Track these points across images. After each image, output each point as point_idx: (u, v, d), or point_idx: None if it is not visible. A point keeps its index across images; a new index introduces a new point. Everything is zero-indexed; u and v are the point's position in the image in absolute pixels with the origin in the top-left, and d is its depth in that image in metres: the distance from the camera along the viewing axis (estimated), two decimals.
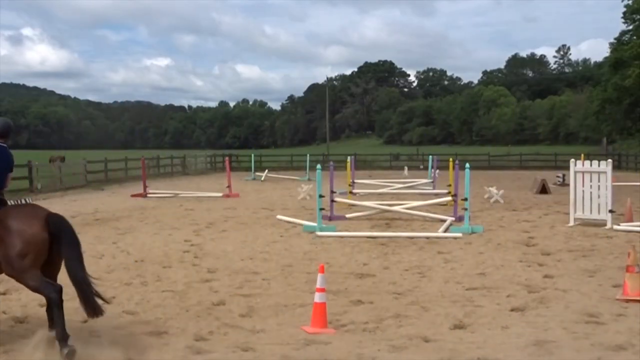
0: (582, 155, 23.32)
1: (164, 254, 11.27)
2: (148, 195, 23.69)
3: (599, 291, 8.12)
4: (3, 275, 6.07)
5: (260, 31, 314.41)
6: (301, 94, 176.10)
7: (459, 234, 13.19)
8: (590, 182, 14.58)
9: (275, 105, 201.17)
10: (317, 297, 6.65)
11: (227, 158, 30.56)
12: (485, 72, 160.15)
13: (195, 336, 6.37)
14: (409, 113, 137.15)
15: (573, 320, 6.80)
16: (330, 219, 15.41)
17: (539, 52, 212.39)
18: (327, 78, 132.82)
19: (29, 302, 7.51)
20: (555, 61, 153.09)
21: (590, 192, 14.56)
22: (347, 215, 16.18)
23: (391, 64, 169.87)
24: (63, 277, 5.85)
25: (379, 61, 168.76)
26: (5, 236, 5.58)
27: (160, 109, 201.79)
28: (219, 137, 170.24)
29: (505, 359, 5.63)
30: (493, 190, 21.34)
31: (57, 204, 20.78)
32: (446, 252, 11.25)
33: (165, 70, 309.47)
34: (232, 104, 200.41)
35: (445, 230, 13.83)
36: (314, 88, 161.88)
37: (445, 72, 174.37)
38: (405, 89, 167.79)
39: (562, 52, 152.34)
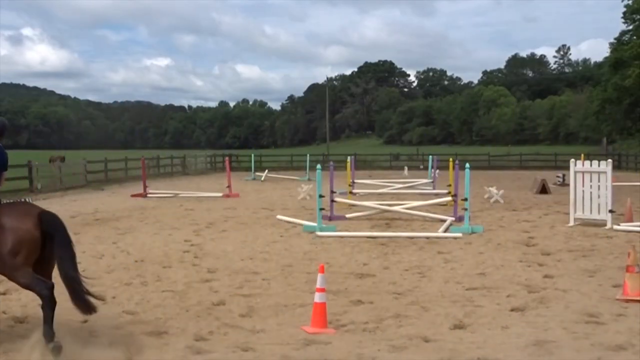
0: (582, 155, 23.32)
1: (164, 254, 11.27)
2: (148, 195, 23.69)
3: (599, 291, 8.12)
4: (1, 275, 6.08)
5: (260, 31, 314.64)
6: (301, 94, 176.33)
7: (459, 234, 13.19)
8: (590, 182, 14.58)
9: (275, 105, 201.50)
10: (317, 297, 6.65)
11: (227, 158, 30.56)
12: (485, 72, 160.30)
13: (195, 336, 6.37)
14: (409, 113, 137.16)
15: (573, 320, 6.80)
16: (330, 219, 15.41)
17: (539, 52, 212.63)
18: (327, 78, 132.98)
19: (29, 302, 7.50)
20: (555, 61, 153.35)
21: (590, 192, 14.56)
22: (347, 215, 16.18)
23: (391, 64, 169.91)
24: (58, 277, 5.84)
25: (379, 61, 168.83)
26: None
27: (160, 109, 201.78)
28: (219, 137, 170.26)
29: (505, 359, 5.63)
30: (493, 190, 21.34)
31: (57, 204, 20.78)
32: (446, 252, 11.25)
33: (165, 70, 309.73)
34: (232, 104, 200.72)
35: (445, 230, 13.83)
36: (314, 88, 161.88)
37: (445, 72, 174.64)
38: (405, 89, 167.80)
39: (562, 52, 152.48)
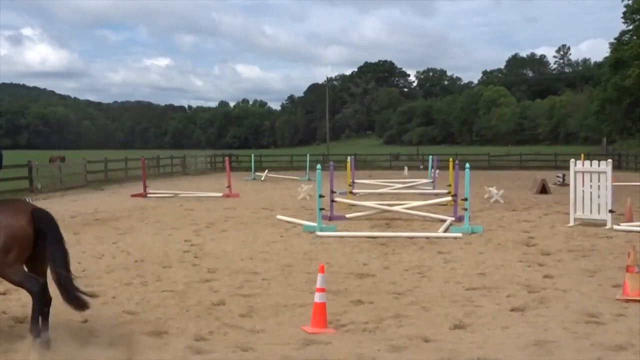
0: (582, 155, 23.32)
1: (164, 254, 11.27)
2: (148, 195, 23.69)
3: (599, 291, 8.12)
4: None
5: (260, 31, 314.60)
6: (301, 94, 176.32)
7: (459, 234, 13.19)
8: (590, 182, 14.58)
9: (275, 105, 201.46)
10: (317, 297, 6.65)
11: (227, 158, 30.56)
12: (485, 72, 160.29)
13: (195, 336, 6.37)
14: (409, 113, 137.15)
15: (573, 320, 6.80)
16: (330, 219, 15.41)
17: (539, 52, 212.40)
18: (327, 78, 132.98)
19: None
20: (555, 61, 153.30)
21: (590, 192, 14.56)
22: (347, 215, 16.18)
23: (391, 64, 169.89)
24: None
25: (379, 61, 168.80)
26: None
27: (160, 109, 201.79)
28: (219, 137, 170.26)
29: (505, 359, 5.63)
30: (493, 190, 21.34)
31: (57, 204, 20.79)
32: (446, 252, 11.25)
33: (165, 70, 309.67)
34: (232, 104, 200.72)
35: (445, 230, 13.83)
36: (314, 88, 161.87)
37: (445, 72, 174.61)
38: (405, 89, 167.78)
39: (562, 52, 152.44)
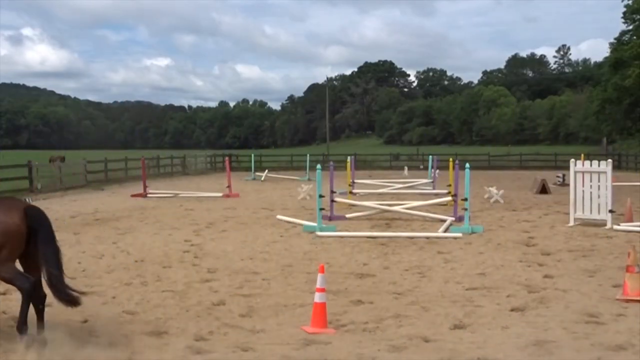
0: (582, 155, 23.32)
1: (164, 254, 11.27)
2: (148, 195, 23.69)
3: (599, 291, 8.12)
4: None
5: (260, 31, 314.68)
6: (301, 94, 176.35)
7: (459, 234, 13.19)
8: (590, 182, 14.58)
9: (275, 105, 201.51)
10: (317, 297, 6.65)
11: (227, 158, 30.55)
12: (485, 72, 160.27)
13: (195, 336, 6.37)
14: (409, 113, 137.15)
15: (573, 320, 6.80)
16: (330, 219, 15.41)
17: (539, 52, 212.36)
18: (327, 78, 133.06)
19: None
20: (555, 61, 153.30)
21: (590, 192, 14.56)
22: (347, 215, 16.18)
23: (391, 64, 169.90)
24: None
25: (379, 61, 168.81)
26: None
27: (160, 109, 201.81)
28: (219, 137, 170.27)
29: (505, 359, 5.63)
30: (493, 190, 21.34)
31: (57, 204, 20.79)
32: (446, 252, 11.25)
33: (165, 70, 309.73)
34: (232, 104, 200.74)
35: (445, 230, 13.83)
36: (314, 88, 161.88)
37: (445, 72, 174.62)
38: (405, 89, 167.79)
39: (562, 52, 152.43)
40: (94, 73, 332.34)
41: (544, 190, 24.13)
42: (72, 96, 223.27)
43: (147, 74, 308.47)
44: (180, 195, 23.98)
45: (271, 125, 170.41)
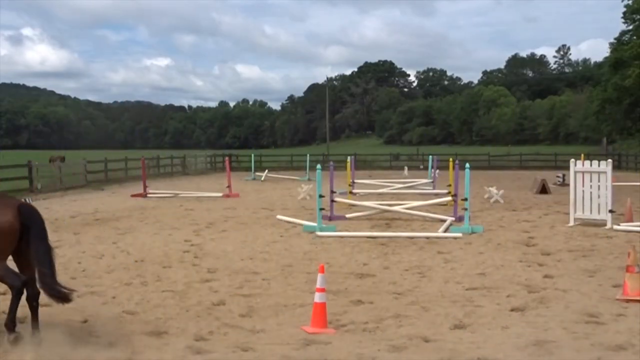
0: (582, 155, 23.32)
1: (164, 254, 11.27)
2: (148, 195, 23.69)
3: (599, 291, 8.12)
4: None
5: (260, 31, 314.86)
6: (301, 94, 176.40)
7: (459, 234, 13.19)
8: (590, 182, 14.58)
9: (275, 105, 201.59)
10: (317, 297, 6.65)
11: (227, 158, 30.55)
12: (485, 72, 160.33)
13: (195, 336, 6.37)
14: (409, 113, 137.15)
15: (573, 320, 6.80)
16: (330, 219, 15.41)
17: (539, 52, 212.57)
18: (327, 78, 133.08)
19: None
20: (555, 61, 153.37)
21: (590, 192, 14.56)
22: (347, 215, 16.18)
23: (391, 64, 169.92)
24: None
25: (379, 61, 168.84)
26: None
27: (160, 109, 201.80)
28: (219, 137, 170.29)
29: (505, 359, 5.63)
30: (493, 190, 21.34)
31: (57, 204, 20.80)
32: (446, 252, 11.25)
33: (165, 70, 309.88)
34: (232, 104, 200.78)
35: (445, 230, 13.83)
36: (314, 88, 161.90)
37: (445, 72, 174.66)
38: (405, 89, 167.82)
39: (562, 52, 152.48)
40: (94, 73, 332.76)
41: (544, 190, 24.13)
42: (72, 96, 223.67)
43: (147, 74, 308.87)
44: (180, 195, 23.98)
45: (271, 125, 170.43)
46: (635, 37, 56.20)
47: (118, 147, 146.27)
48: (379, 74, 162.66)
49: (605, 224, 14.05)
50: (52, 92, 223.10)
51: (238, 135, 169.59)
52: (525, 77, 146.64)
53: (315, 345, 6.07)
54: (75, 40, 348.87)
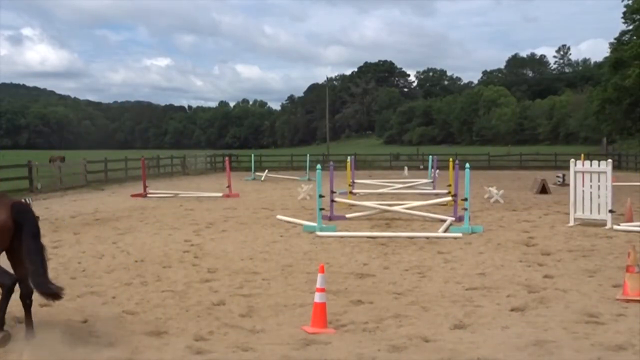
0: (582, 155, 23.35)
1: (164, 254, 11.27)
2: (148, 195, 23.69)
3: (599, 291, 8.12)
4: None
5: (260, 31, 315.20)
6: (301, 94, 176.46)
7: (459, 234, 13.19)
8: (590, 182, 14.58)
9: (275, 105, 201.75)
10: (317, 297, 6.65)
11: (227, 158, 30.53)
12: (485, 72, 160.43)
13: (195, 336, 6.37)
14: (409, 113, 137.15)
15: (573, 320, 6.80)
16: (330, 219, 15.41)
17: (539, 52, 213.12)
18: (327, 78, 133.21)
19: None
20: (555, 61, 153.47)
21: (590, 192, 14.56)
22: (347, 215, 16.18)
23: (391, 64, 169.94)
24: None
25: (379, 61, 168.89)
26: None
27: (160, 109, 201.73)
28: (219, 137, 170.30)
29: (505, 359, 5.63)
30: (493, 190, 21.34)
31: (57, 204, 20.80)
32: (446, 252, 11.25)
33: (165, 70, 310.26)
34: (232, 104, 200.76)
35: (445, 230, 13.83)
36: (314, 88, 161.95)
37: (445, 72, 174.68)
38: (405, 89, 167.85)
39: (562, 52, 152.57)
40: (94, 73, 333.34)
41: (544, 190, 24.13)
42: (72, 96, 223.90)
43: (147, 74, 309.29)
44: (180, 195, 23.98)
45: (271, 125, 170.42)
46: (635, 37, 56.16)
47: (118, 147, 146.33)
48: (379, 74, 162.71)
49: (605, 224, 14.05)
50: (52, 92, 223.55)
51: (238, 135, 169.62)
52: (525, 77, 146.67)
53: (315, 345, 6.07)
54: (75, 40, 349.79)
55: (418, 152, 61.95)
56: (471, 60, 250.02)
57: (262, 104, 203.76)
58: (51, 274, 9.11)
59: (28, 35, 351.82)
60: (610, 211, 14.20)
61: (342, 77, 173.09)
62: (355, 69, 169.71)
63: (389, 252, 11.36)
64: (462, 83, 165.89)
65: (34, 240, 5.90)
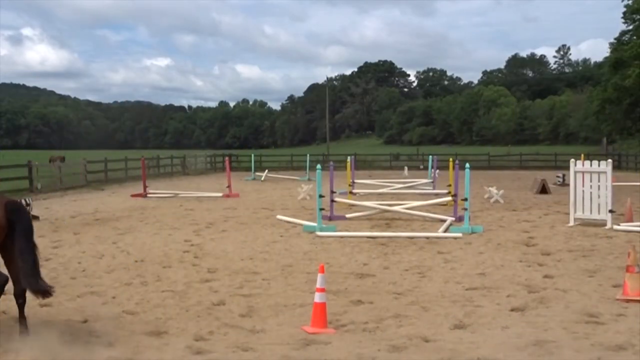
0: (582, 155, 23.34)
1: (164, 254, 11.27)
2: (148, 195, 23.69)
3: (599, 291, 8.12)
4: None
5: (260, 31, 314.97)
6: (301, 94, 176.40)
7: (459, 234, 13.19)
8: (590, 182, 14.58)
9: (275, 105, 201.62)
10: (317, 297, 6.65)
11: (227, 158, 30.54)
12: (485, 72, 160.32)
13: (195, 336, 6.37)
14: (409, 113, 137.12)
15: (573, 320, 6.80)
16: (330, 219, 15.41)
17: (539, 52, 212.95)
18: (327, 78, 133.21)
19: (29, 302, 7.47)
20: (555, 61, 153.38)
21: (590, 192, 14.56)
22: (347, 215, 16.18)
23: (391, 64, 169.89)
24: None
25: (379, 61, 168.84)
26: None
27: (160, 109, 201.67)
28: (219, 137, 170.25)
29: (505, 359, 5.63)
30: (493, 190, 21.34)
31: (57, 204, 20.80)
32: (446, 252, 11.25)
33: (165, 70, 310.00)
34: (232, 104, 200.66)
35: (445, 230, 13.83)
36: (314, 88, 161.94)
37: (445, 72, 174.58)
38: (405, 89, 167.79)
39: (562, 52, 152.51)
40: (94, 73, 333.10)
41: (544, 190, 24.13)
42: (72, 96, 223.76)
43: (147, 74, 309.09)
44: (180, 195, 23.98)
45: (271, 125, 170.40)
46: (635, 37, 56.16)
47: (118, 147, 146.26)
48: (379, 74, 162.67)
49: (605, 224, 14.05)
50: (52, 92, 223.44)
51: (238, 135, 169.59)
52: (525, 77, 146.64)
53: (315, 345, 6.07)
54: (75, 40, 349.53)
55: (418, 152, 61.97)
56: (471, 60, 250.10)
57: (262, 104, 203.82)
58: (51, 274, 9.15)
59: (28, 35, 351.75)
60: (610, 211, 14.20)
61: (342, 77, 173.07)
62: (355, 69, 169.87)
63: (389, 252, 11.36)
64: (462, 83, 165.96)
65: (26, 239, 5.93)
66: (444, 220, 15.10)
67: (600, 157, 24.87)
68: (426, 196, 20.82)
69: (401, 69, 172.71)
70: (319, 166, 15.11)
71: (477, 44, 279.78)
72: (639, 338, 6.09)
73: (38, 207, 18.68)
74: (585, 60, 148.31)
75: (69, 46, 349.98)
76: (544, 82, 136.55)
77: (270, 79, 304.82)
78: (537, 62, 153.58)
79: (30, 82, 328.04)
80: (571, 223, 14.61)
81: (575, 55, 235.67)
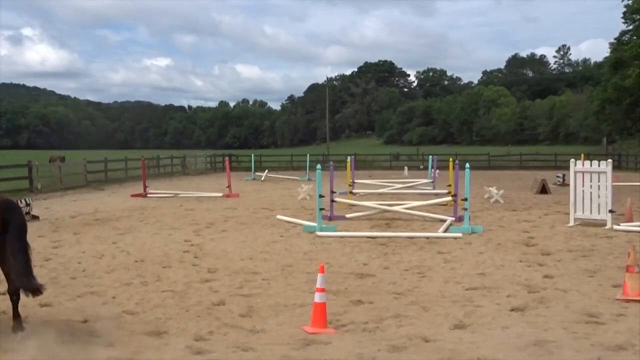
0: (582, 155, 23.35)
1: (164, 254, 11.27)
2: (148, 195, 23.69)
3: (599, 291, 8.12)
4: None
5: (260, 31, 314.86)
6: (301, 94, 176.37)
7: (459, 234, 13.19)
8: (590, 182, 14.58)
9: (275, 105, 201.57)
10: (317, 297, 6.65)
11: (227, 158, 30.54)
12: (485, 72, 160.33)
13: (195, 336, 6.37)
14: (409, 113, 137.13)
15: (573, 320, 6.80)
16: (330, 219, 15.41)
17: (539, 52, 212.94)
18: (327, 78, 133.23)
19: (29, 302, 7.49)
20: (555, 61, 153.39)
21: (590, 192, 14.56)
22: (347, 215, 16.18)
23: (391, 64, 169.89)
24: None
25: (379, 61, 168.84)
26: None
27: (160, 109, 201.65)
28: (219, 137, 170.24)
29: (505, 359, 5.63)
30: (493, 190, 21.34)
31: (57, 204, 20.80)
32: (446, 252, 11.25)
33: (165, 70, 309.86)
34: (232, 104, 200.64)
35: (445, 230, 13.83)
36: (314, 88, 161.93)
37: (445, 72, 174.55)
38: (405, 89, 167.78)
39: (562, 52, 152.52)
40: (94, 73, 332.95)
41: (544, 190, 24.13)
42: (72, 96, 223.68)
43: (147, 74, 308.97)
44: (180, 195, 23.98)
45: (271, 125, 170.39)
46: (635, 37, 56.17)
47: (118, 147, 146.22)
48: (379, 74, 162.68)
49: (605, 224, 14.05)
50: (52, 92, 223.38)
51: (238, 135, 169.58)
52: (525, 77, 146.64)
53: (315, 345, 6.07)
54: (75, 40, 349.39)
55: (418, 152, 61.97)
56: (471, 60, 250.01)
57: (262, 104, 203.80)
58: (51, 274, 9.16)
59: (28, 35, 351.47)
60: (610, 211, 14.21)
61: (342, 77, 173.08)
62: (355, 69, 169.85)
63: (389, 252, 11.36)
64: (462, 83, 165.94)
65: (19, 238, 5.95)
66: (444, 220, 15.10)
67: (600, 157, 24.88)
68: (426, 196, 20.82)
69: (401, 69, 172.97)
70: (319, 166, 15.11)
71: (477, 44, 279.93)
72: (639, 338, 6.09)
73: (38, 207, 18.69)
74: (585, 60, 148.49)
75: (69, 46, 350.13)
76: (544, 82, 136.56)
77: (270, 79, 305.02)
78: (537, 62, 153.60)
79: (30, 82, 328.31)
80: (571, 223, 14.61)
81: (575, 55, 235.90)
